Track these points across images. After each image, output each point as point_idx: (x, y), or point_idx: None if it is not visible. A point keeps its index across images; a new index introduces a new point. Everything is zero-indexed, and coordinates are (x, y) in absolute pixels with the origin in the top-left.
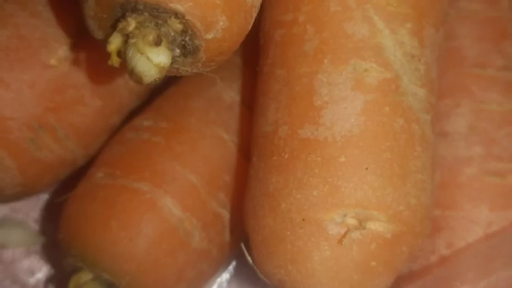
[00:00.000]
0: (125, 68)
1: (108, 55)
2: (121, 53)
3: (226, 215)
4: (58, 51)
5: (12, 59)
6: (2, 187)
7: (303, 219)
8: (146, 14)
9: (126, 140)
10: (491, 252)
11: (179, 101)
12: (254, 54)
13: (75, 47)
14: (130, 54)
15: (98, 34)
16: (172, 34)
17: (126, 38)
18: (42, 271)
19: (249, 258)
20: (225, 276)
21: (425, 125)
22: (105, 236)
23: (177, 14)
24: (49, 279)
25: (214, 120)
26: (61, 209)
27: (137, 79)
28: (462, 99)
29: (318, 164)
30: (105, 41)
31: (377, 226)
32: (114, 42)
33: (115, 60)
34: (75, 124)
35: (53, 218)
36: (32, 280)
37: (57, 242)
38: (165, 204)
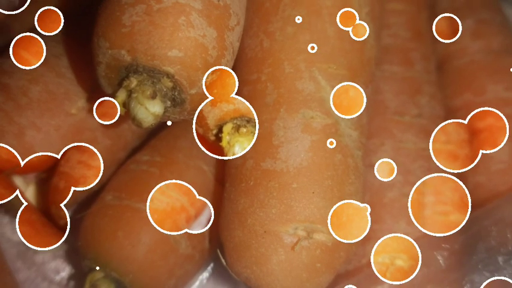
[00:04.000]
0: (129, 115)
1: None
2: (125, 104)
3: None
4: (77, 103)
5: (42, 109)
6: None
7: (265, 231)
8: (145, 74)
9: (130, 170)
10: None
11: (170, 140)
12: None
13: (90, 99)
14: (132, 105)
15: (108, 90)
16: (165, 90)
17: (130, 93)
18: (65, 270)
19: (223, 261)
20: (205, 274)
21: (358, 159)
22: (113, 244)
23: (168, 75)
24: (71, 277)
25: (197, 156)
26: (80, 223)
27: (138, 124)
28: (385, 139)
29: (276, 189)
30: (113, 95)
31: (321, 236)
32: (120, 96)
33: (121, 110)
34: None
35: (73, 230)
36: (58, 277)
37: (77, 248)
38: None
